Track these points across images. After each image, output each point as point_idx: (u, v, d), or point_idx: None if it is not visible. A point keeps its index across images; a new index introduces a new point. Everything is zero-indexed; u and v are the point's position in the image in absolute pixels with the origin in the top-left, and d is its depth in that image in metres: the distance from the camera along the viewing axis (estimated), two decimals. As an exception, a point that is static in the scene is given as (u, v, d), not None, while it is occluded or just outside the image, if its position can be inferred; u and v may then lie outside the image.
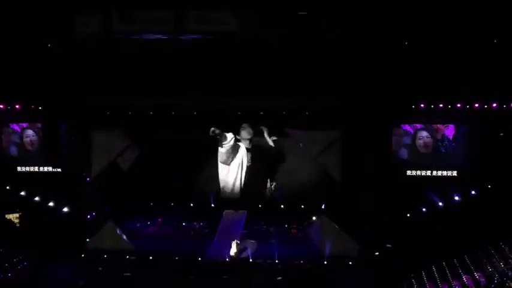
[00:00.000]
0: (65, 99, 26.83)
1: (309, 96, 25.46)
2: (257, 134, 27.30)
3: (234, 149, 28.13)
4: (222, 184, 29.11)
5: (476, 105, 25.43)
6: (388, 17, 19.98)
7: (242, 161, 28.30)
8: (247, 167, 28.16)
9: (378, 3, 19.25)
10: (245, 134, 27.61)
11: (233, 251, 25.80)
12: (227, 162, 28.64)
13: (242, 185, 28.34)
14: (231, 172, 28.78)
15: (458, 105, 25.57)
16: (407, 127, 26.54)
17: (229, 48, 22.39)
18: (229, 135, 28.23)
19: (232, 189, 28.86)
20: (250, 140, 27.83)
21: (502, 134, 25.52)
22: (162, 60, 24.45)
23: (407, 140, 26.67)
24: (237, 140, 27.83)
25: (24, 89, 25.70)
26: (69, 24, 19.51)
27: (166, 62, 24.50)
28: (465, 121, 25.94)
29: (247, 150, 28.33)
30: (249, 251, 26.02)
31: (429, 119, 26.20)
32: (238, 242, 26.10)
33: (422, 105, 25.74)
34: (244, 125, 27.94)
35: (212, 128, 27.50)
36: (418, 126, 26.51)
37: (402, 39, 22.58)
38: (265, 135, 27.85)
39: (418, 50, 22.34)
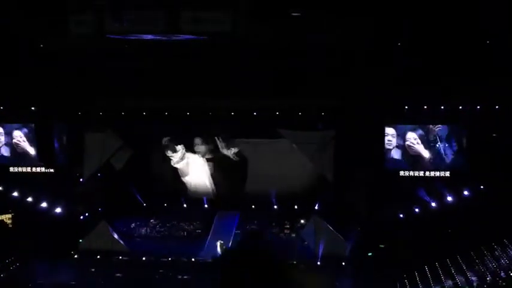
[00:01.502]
0: (58, 100, 26.75)
1: (301, 96, 25.51)
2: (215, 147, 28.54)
3: (187, 161, 28.65)
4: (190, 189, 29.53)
5: (470, 106, 25.49)
6: (380, 18, 19.98)
7: (202, 171, 28.80)
8: (211, 176, 28.72)
9: (371, 5, 19.25)
10: (197, 148, 28.32)
11: (218, 251, 25.86)
12: (184, 175, 29.03)
13: (212, 189, 28.93)
14: (194, 181, 29.21)
15: (452, 106, 25.63)
16: (399, 128, 26.50)
17: (222, 48, 22.38)
18: (179, 148, 28.61)
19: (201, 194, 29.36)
20: (205, 153, 28.37)
21: (494, 135, 25.57)
22: (154, 61, 24.41)
23: (400, 141, 26.68)
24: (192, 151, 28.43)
25: (17, 89, 25.58)
26: (63, 24, 19.37)
27: (159, 63, 24.45)
28: (458, 122, 25.99)
29: (208, 160, 28.77)
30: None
31: (422, 120, 26.21)
32: (222, 241, 26.16)
33: (415, 106, 25.79)
34: (196, 140, 28.41)
35: (165, 138, 28.00)
36: (410, 127, 26.50)
37: (395, 40, 22.58)
38: (221, 149, 28.34)
39: (410, 52, 22.36)
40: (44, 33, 22.29)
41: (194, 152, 28.95)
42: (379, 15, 19.33)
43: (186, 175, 29.26)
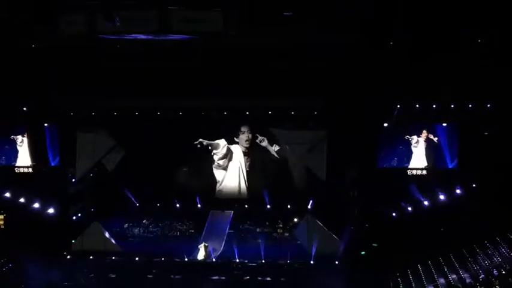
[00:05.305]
0: (49, 100, 26.69)
1: (295, 96, 25.53)
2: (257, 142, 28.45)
3: (229, 154, 28.52)
4: (219, 187, 29.25)
5: (462, 104, 25.58)
6: (372, 17, 20.02)
7: (240, 164, 28.64)
8: (247, 172, 28.62)
9: (364, 5, 19.32)
10: (243, 138, 28.14)
11: (201, 254, 25.82)
12: (223, 167, 28.94)
13: (246, 187, 28.75)
14: (230, 176, 29.01)
15: (444, 104, 25.72)
16: (392, 126, 26.54)
17: (214, 48, 22.38)
18: (222, 143, 28.54)
19: (233, 192, 29.09)
20: (248, 145, 28.28)
21: (486, 133, 25.65)
22: (147, 60, 24.37)
23: (393, 140, 26.78)
24: (231, 143, 28.28)
25: (8, 89, 25.48)
26: (54, 24, 19.30)
27: (151, 63, 24.42)
28: (451, 120, 26.11)
29: (244, 154, 28.63)
30: (216, 253, 26.14)
31: (415, 119, 26.31)
32: (207, 244, 26.13)
33: (407, 105, 25.86)
34: (243, 128, 28.25)
35: (199, 140, 27.92)
36: (406, 126, 26.59)
37: (387, 39, 22.60)
38: (266, 144, 28.26)
39: (402, 51, 22.40)
40: (35, 33, 22.21)
41: (236, 142, 28.88)
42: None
43: (224, 169, 29.23)
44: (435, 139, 26.51)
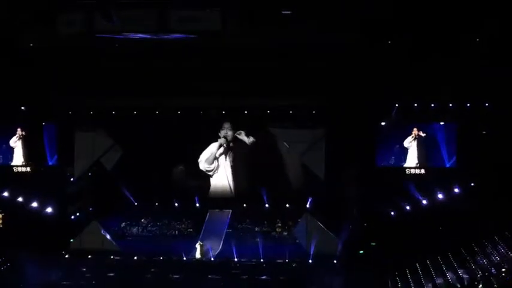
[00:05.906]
0: (48, 99, 26.66)
1: (293, 95, 25.55)
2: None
3: (214, 159, 28.59)
4: (211, 188, 29.29)
5: (461, 104, 25.62)
6: (372, 17, 20.06)
7: (226, 163, 28.67)
8: (231, 167, 28.59)
9: (364, 5, 19.37)
10: (227, 134, 28.18)
11: (198, 253, 25.84)
12: (212, 172, 29.04)
13: (232, 184, 28.73)
14: (218, 175, 29.05)
15: (442, 103, 25.75)
16: (391, 125, 26.58)
17: (214, 48, 22.40)
18: (207, 155, 28.68)
19: (222, 191, 29.10)
20: (229, 140, 28.29)
21: (484, 132, 25.70)
22: (145, 60, 24.37)
23: (391, 138, 26.82)
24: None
25: (7, 88, 25.45)
26: (52, 24, 19.31)
27: (149, 62, 24.43)
28: (450, 120, 26.14)
29: (229, 149, 28.60)
30: (214, 252, 26.17)
31: (413, 118, 26.33)
32: (202, 243, 26.15)
33: (405, 104, 25.88)
34: (225, 125, 28.27)
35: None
36: (404, 124, 26.62)
37: (385, 38, 22.63)
38: (243, 137, 28.29)
39: (402, 51, 22.44)
40: (33, 33, 22.19)
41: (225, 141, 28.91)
42: (371, 14, 19.39)
43: (212, 173, 29.35)
44: (423, 134, 26.52)
